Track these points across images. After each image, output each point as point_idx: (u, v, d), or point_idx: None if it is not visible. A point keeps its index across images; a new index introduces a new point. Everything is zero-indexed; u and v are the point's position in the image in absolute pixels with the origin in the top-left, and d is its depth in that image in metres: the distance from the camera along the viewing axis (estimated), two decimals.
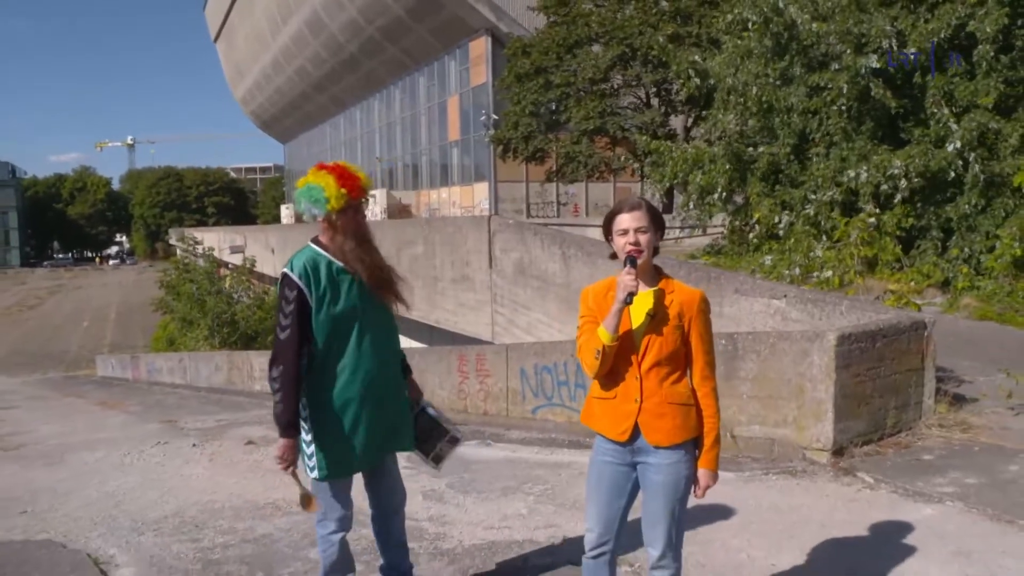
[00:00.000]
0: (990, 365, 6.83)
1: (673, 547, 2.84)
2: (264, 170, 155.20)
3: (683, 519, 2.85)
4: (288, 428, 3.09)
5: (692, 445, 2.81)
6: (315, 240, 3.21)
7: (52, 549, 4.92)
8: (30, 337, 50.57)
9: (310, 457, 3.19)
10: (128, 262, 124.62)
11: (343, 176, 3.10)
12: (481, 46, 40.31)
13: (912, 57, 12.06)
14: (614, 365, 2.78)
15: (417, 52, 46.60)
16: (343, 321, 3.12)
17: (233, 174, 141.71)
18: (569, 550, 4.01)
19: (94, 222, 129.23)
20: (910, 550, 3.77)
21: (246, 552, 4.49)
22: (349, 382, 3.14)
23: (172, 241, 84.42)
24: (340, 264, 3.15)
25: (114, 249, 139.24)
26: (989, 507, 4.21)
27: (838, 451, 5.06)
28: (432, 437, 3.37)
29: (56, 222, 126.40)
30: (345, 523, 3.24)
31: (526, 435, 7.14)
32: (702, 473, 2.81)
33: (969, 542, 3.83)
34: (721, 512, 4.39)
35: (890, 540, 3.89)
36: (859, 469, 4.88)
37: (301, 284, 3.07)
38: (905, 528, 4.01)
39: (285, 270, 3.11)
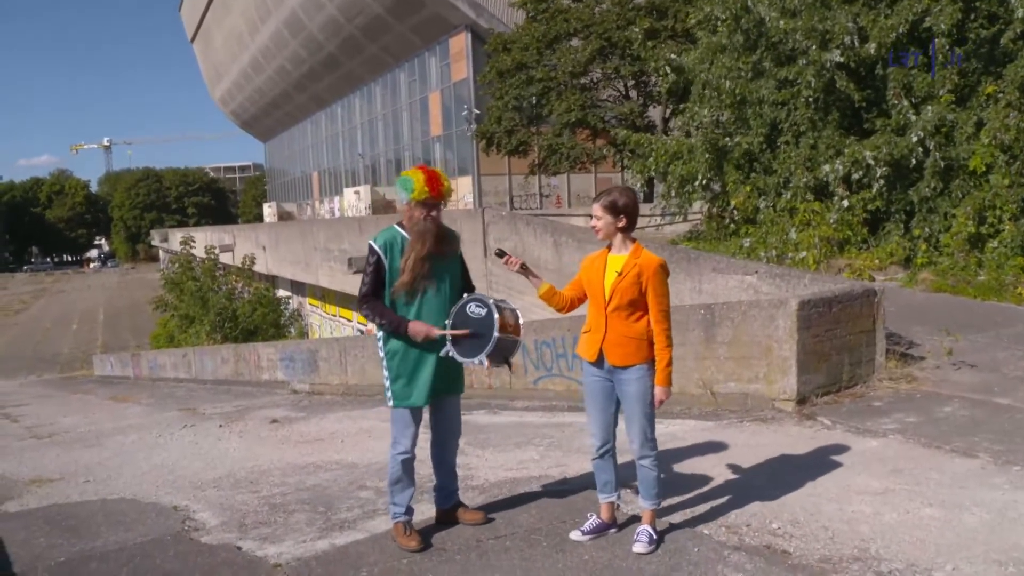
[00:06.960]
0: (939, 330, 7.70)
1: (649, 440, 3.74)
2: (244, 169, 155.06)
3: (652, 418, 3.74)
4: (401, 324, 3.93)
5: (647, 367, 3.68)
6: (399, 223, 4.08)
7: (130, 503, 5.65)
8: (20, 341, 50.77)
9: (387, 390, 4.05)
10: (110, 265, 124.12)
11: (431, 178, 3.95)
12: (461, 42, 40.96)
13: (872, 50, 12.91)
14: (591, 308, 3.77)
15: (397, 49, 47.11)
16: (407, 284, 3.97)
17: (213, 174, 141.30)
18: (577, 482, 4.83)
19: (73, 226, 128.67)
20: (855, 469, 4.64)
21: (303, 497, 5.28)
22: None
23: (155, 242, 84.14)
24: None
25: (94, 252, 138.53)
26: (923, 438, 5.08)
27: (801, 400, 5.92)
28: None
29: (34, 226, 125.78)
30: (411, 447, 4.03)
31: (529, 403, 7.96)
32: (656, 389, 3.70)
33: (903, 463, 4.69)
34: (704, 449, 5.26)
35: (840, 463, 4.74)
36: (819, 415, 5.75)
37: (381, 253, 3.97)
38: (853, 455, 4.88)
39: (370, 242, 4.01)
